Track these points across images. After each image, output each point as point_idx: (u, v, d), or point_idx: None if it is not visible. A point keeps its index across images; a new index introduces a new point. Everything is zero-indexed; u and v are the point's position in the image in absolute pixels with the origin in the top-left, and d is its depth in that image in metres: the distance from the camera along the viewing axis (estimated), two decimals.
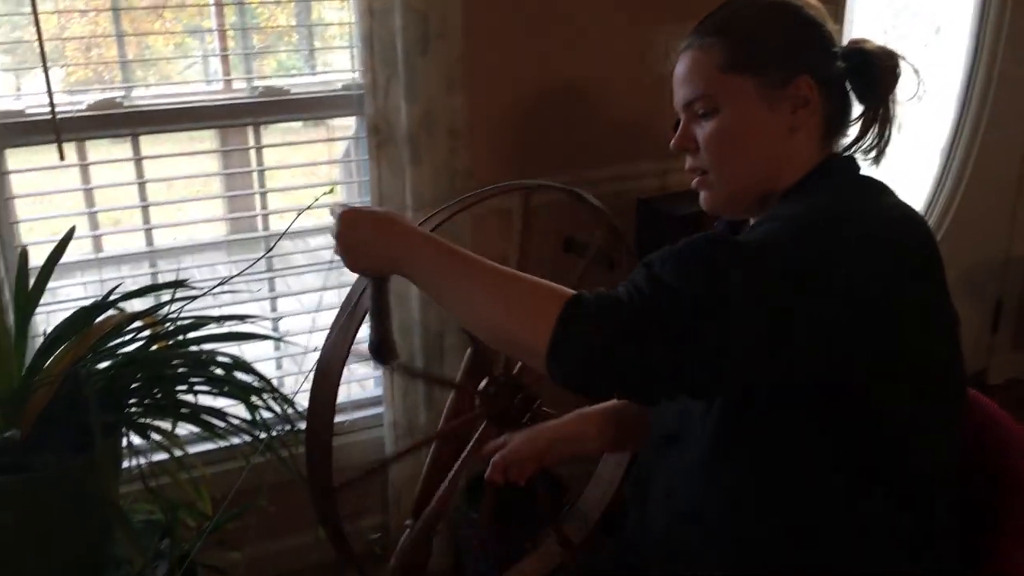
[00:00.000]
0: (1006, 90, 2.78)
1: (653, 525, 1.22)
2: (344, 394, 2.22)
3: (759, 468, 1.05)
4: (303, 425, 1.47)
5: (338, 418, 1.72)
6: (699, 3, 2.24)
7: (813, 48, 1.09)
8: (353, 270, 1.14)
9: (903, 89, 1.10)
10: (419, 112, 1.85)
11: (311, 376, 1.45)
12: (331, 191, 2.14)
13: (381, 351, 1.17)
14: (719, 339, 0.89)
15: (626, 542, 1.34)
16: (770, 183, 1.10)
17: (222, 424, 1.44)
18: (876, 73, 1.09)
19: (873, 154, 1.12)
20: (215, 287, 1.59)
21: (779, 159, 1.09)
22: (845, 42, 1.12)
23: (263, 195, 2.07)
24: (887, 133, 1.11)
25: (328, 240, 2.20)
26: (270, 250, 1.89)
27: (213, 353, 1.52)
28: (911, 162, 2.87)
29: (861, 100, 1.11)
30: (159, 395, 1.44)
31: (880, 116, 1.10)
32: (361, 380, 2.30)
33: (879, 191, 1.06)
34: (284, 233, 1.73)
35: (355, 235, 1.09)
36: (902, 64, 1.09)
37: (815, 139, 1.10)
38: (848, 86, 1.11)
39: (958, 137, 2.84)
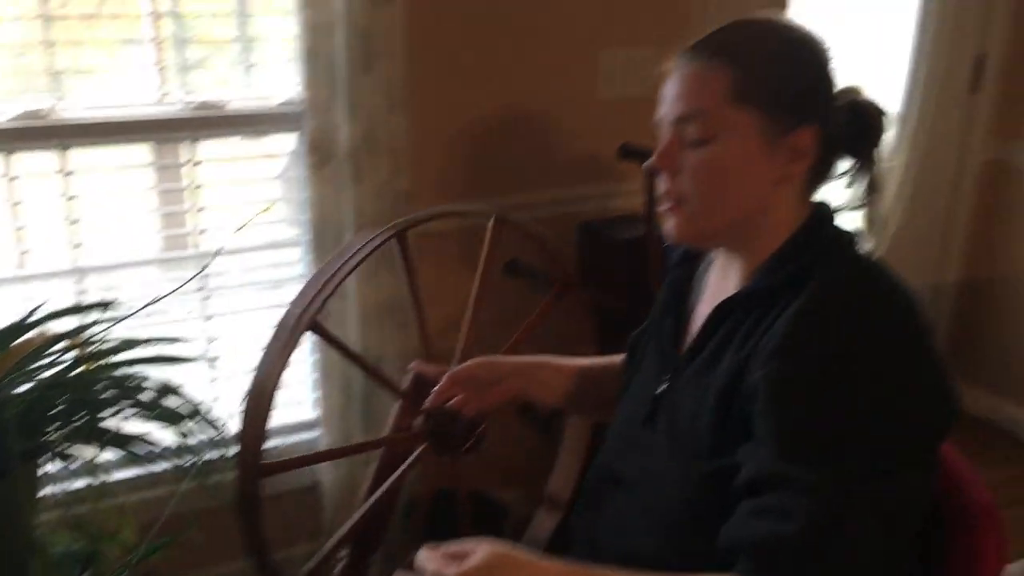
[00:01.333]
0: (941, 119, 2.85)
1: (605, 552, 1.20)
2: (279, 418, 2.16)
3: None
4: (235, 450, 1.42)
5: (272, 442, 1.67)
6: (647, 29, 2.27)
7: (824, 98, 1.05)
8: None
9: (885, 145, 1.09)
10: (361, 131, 1.82)
11: (242, 399, 1.40)
12: (269, 209, 2.09)
13: None
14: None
15: None
16: (746, 228, 1.07)
17: (149, 450, 1.38)
18: (868, 128, 1.06)
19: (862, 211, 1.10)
20: (145, 307, 1.53)
21: (763, 208, 1.06)
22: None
23: (198, 212, 2.01)
24: (876, 189, 1.09)
25: (263, 258, 2.16)
26: (204, 268, 1.83)
27: (141, 376, 1.46)
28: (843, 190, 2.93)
29: (851, 154, 1.08)
30: (83, 420, 1.38)
31: (867, 171, 1.08)
32: (297, 403, 2.24)
33: (859, 250, 1.07)
34: (219, 252, 1.68)
35: None
36: (885, 120, 1.08)
37: (799, 191, 1.08)
38: (840, 139, 1.07)
39: (892, 166, 2.90)
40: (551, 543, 1.75)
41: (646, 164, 1.08)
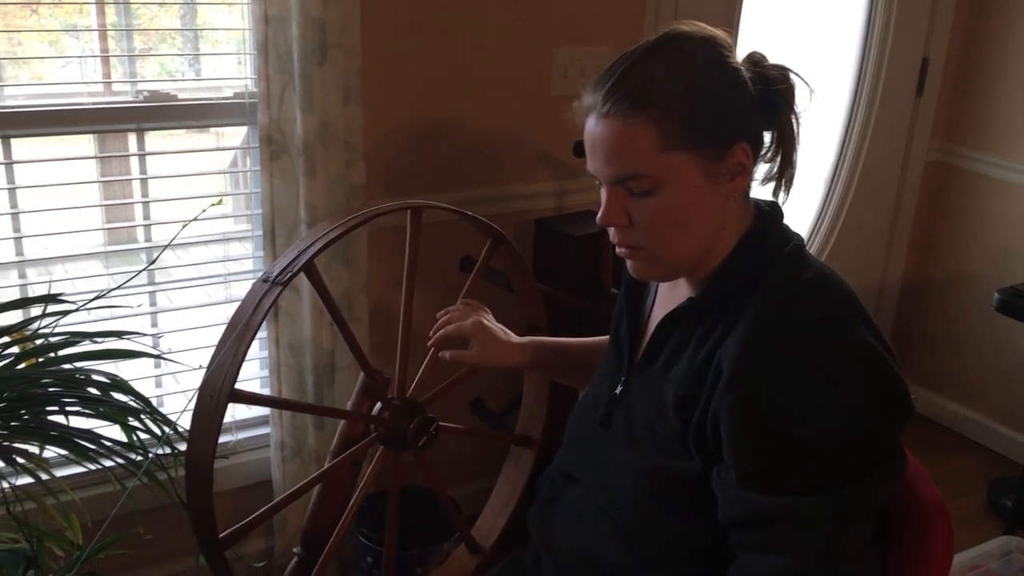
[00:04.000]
0: (887, 121, 2.91)
1: (561, 550, 1.20)
2: (229, 413, 2.13)
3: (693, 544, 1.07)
4: (182, 447, 1.39)
5: (222, 439, 1.64)
6: (601, 27, 2.28)
7: (743, 108, 1.03)
8: None
9: (800, 104, 1.07)
10: (315, 123, 1.80)
11: (193, 395, 1.38)
12: (219, 202, 2.06)
13: None
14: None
15: (522, 564, 1.32)
16: (709, 250, 1.07)
17: (94, 447, 1.35)
18: (776, 96, 1.05)
19: (783, 182, 1.10)
20: (90, 301, 1.50)
21: (719, 228, 1.06)
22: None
23: (145, 205, 1.97)
24: (794, 157, 1.08)
25: (214, 253, 2.12)
26: (153, 262, 1.80)
27: (87, 372, 1.43)
28: (793, 191, 2.97)
29: (769, 126, 1.07)
30: (26, 416, 1.35)
31: (784, 138, 1.07)
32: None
33: (804, 256, 1.07)
34: (168, 244, 1.65)
35: None
36: (792, 76, 1.06)
37: (742, 197, 1.08)
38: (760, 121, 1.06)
39: (840, 167, 2.96)
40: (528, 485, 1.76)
41: (599, 220, 1.06)
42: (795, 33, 2.83)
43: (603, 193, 1.06)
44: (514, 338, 1.42)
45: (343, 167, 1.86)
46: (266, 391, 2.13)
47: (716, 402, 0.98)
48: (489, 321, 1.41)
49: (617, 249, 1.09)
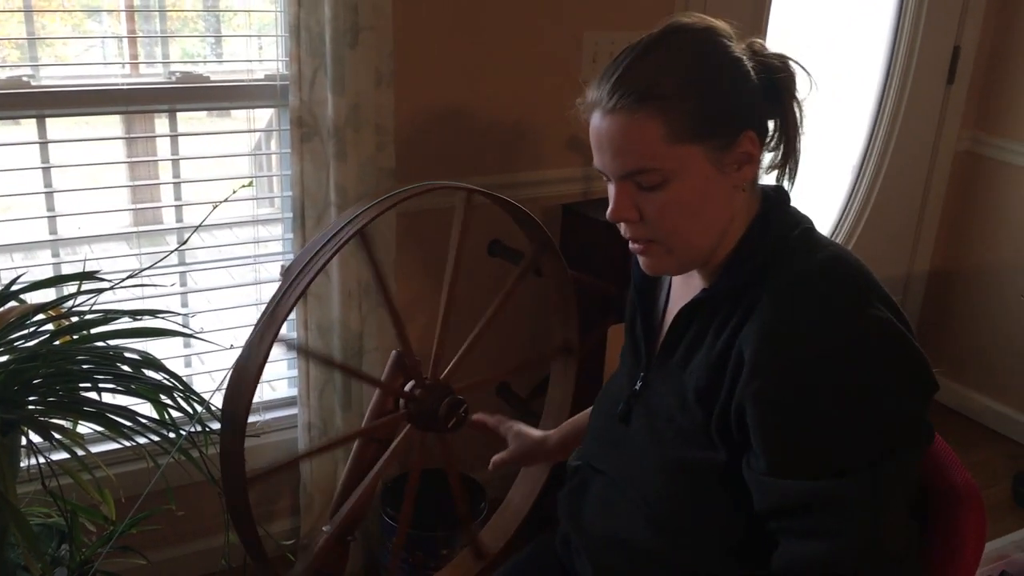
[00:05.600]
0: (917, 109, 2.88)
1: (592, 533, 1.21)
2: (256, 395, 2.15)
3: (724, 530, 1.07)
4: (214, 425, 1.41)
5: (250, 419, 1.65)
6: (631, 11, 2.26)
7: (748, 97, 1.03)
8: None
9: (801, 91, 1.07)
10: (346, 106, 1.80)
11: (225, 375, 1.39)
12: (250, 184, 2.07)
13: None
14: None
15: (552, 547, 1.33)
16: (720, 240, 1.07)
17: (128, 423, 1.37)
18: (779, 84, 1.05)
19: (787, 170, 1.10)
20: (125, 279, 1.51)
21: (729, 218, 1.06)
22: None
23: (175, 186, 1.99)
24: (797, 144, 1.08)
25: (243, 234, 2.13)
26: (185, 242, 1.81)
27: (121, 349, 1.44)
28: (821, 179, 2.95)
29: (773, 115, 1.07)
30: (61, 392, 1.37)
31: (787, 126, 1.07)
32: (274, 380, 2.23)
33: (814, 239, 1.06)
34: (200, 225, 1.66)
35: None
36: (792, 64, 1.06)
37: (751, 186, 1.08)
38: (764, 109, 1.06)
39: (868, 155, 2.93)
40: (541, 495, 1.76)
41: (609, 215, 1.05)
42: (825, 20, 2.81)
43: (611, 189, 1.05)
44: (536, 433, 1.49)
45: (373, 150, 1.87)
46: (293, 373, 2.15)
47: (740, 392, 0.98)
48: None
49: (630, 244, 1.09)
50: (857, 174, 2.95)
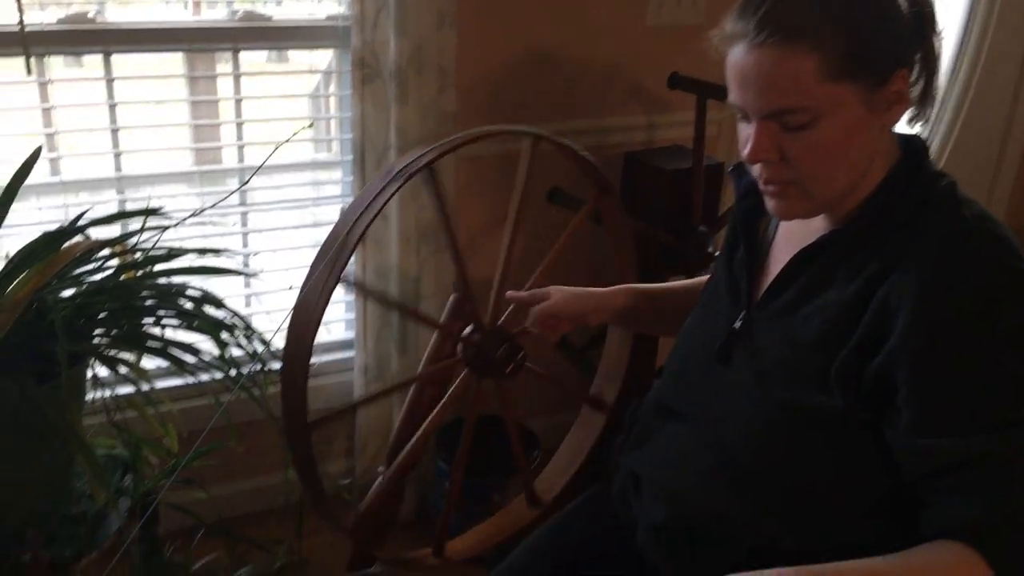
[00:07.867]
0: (993, 65, 2.77)
1: (650, 490, 1.20)
2: None
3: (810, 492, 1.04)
4: (274, 365, 1.42)
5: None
6: None
7: (901, 32, 0.98)
8: None
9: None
10: (409, 48, 1.78)
11: (286, 315, 1.40)
12: (311, 126, 2.07)
13: None
14: None
15: (605, 498, 1.32)
16: (857, 183, 1.03)
17: (192, 359, 1.38)
18: (924, 16, 1.00)
19: (924, 109, 1.05)
20: (188, 217, 1.52)
21: (872, 158, 1.02)
22: None
23: (238, 126, 1.99)
24: (935, 81, 1.03)
25: (303, 177, 2.13)
26: (246, 182, 1.82)
27: (183, 286, 1.46)
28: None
29: (917, 52, 1.02)
30: (126, 326, 1.39)
31: (928, 61, 1.02)
32: (331, 323, 2.24)
33: (960, 194, 1.03)
34: (262, 165, 1.66)
35: None
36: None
37: (891, 127, 1.04)
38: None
39: (942, 112, 2.83)
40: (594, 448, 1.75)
41: (743, 157, 1.01)
42: None
43: (745, 128, 1.01)
44: (600, 291, 1.38)
45: (435, 93, 1.85)
46: (351, 315, 2.16)
47: (892, 349, 0.95)
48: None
49: (762, 186, 1.04)
50: (929, 131, 2.86)
